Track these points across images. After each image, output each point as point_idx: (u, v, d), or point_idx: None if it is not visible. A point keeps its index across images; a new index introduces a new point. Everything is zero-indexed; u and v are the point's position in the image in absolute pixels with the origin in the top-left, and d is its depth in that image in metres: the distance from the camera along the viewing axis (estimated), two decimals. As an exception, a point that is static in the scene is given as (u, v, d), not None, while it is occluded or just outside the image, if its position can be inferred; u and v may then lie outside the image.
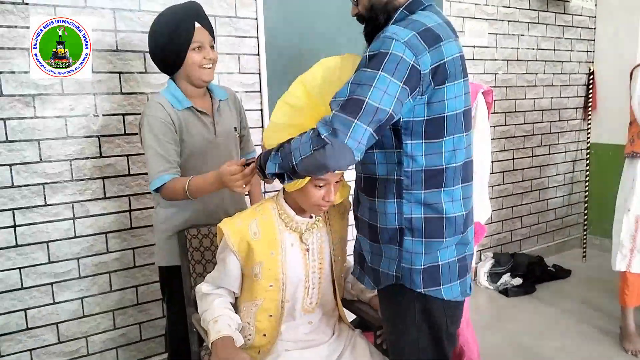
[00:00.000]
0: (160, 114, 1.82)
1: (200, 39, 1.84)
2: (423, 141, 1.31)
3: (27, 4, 2.06)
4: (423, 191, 1.34)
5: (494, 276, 3.68)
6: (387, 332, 1.56)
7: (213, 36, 1.92)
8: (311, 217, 1.60)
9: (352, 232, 1.61)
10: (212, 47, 1.90)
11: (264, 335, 1.57)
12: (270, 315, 1.56)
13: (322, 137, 1.18)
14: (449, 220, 1.36)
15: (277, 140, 1.39)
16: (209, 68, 1.88)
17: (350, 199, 1.62)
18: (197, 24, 1.84)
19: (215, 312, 1.50)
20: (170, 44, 1.82)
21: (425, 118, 1.29)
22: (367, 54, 1.25)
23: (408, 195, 1.34)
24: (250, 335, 1.57)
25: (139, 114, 2.33)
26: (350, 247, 1.64)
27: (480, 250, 3.88)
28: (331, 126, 1.18)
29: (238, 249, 1.51)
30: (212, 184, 1.67)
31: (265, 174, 1.39)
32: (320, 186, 1.46)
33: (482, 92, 2.04)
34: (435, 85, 1.27)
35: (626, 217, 2.76)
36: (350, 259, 1.66)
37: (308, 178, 1.42)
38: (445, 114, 1.30)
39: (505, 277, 3.67)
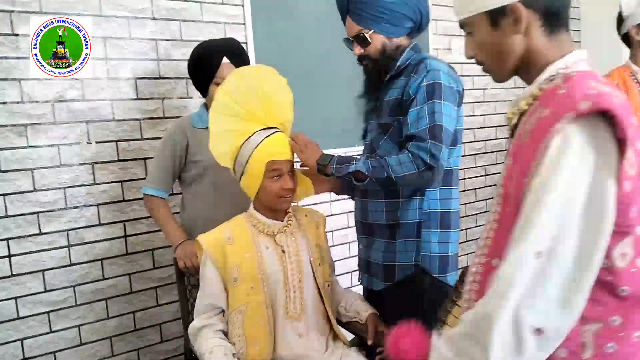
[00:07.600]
0: (173, 133, 2.04)
1: (224, 75, 1.84)
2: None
3: (17, 35, 2.08)
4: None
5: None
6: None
7: None
8: (282, 220, 1.67)
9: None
10: None
11: (257, 345, 1.56)
12: (258, 321, 1.57)
13: (427, 162, 1.44)
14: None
15: (225, 148, 1.61)
16: None
17: (324, 210, 1.67)
18: (225, 60, 1.93)
19: (210, 343, 1.54)
20: (196, 75, 1.99)
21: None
22: (424, 84, 1.51)
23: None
24: (242, 349, 1.56)
25: (132, 139, 2.36)
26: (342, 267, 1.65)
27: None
28: (429, 152, 1.45)
29: (215, 256, 1.57)
30: (171, 237, 2.03)
31: (328, 170, 1.57)
32: (275, 177, 1.57)
33: None
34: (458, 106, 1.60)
35: None
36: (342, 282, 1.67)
37: (261, 176, 1.56)
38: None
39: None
